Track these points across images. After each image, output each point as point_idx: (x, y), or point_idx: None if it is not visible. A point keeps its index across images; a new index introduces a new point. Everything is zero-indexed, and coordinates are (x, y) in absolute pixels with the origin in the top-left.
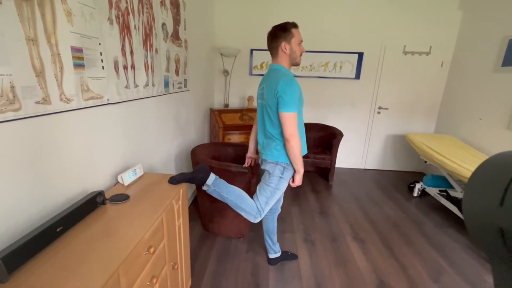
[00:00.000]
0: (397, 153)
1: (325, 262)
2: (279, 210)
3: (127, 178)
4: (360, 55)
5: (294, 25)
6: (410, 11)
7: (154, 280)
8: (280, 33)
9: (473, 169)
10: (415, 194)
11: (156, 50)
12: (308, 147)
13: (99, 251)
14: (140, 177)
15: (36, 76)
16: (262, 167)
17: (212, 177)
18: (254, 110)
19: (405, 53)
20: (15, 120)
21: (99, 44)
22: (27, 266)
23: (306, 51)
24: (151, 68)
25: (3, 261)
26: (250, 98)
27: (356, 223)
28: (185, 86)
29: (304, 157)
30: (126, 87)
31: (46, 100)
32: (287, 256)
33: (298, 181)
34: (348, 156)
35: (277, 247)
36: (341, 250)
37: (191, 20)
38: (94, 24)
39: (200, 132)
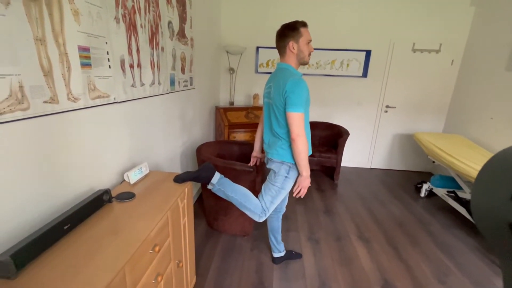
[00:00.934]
0: (405, 153)
1: (329, 261)
2: (284, 209)
3: (133, 177)
4: (368, 52)
5: (304, 24)
6: (420, 8)
7: (159, 278)
8: (289, 32)
9: None
10: (422, 194)
11: (162, 49)
12: (314, 146)
13: (105, 249)
14: (146, 175)
15: (44, 75)
16: (268, 166)
17: (217, 176)
18: (260, 108)
19: (414, 50)
20: (24, 119)
21: (106, 43)
22: (35, 263)
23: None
24: (157, 67)
25: (12, 258)
26: (255, 96)
27: (361, 222)
28: (191, 84)
29: (309, 156)
30: (132, 85)
31: (54, 100)
32: (292, 255)
33: (302, 183)
34: (354, 155)
35: (281, 246)
36: (346, 249)
37: (197, 18)
38: (101, 23)
39: (206, 130)
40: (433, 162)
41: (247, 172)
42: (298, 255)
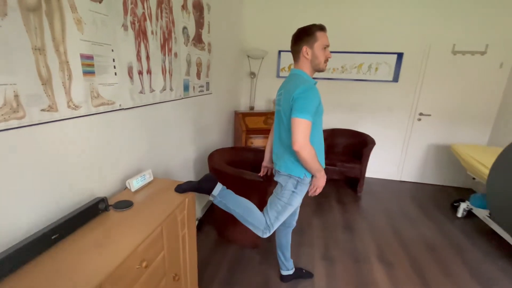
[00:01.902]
0: (440, 165)
1: (343, 284)
2: (294, 224)
3: (135, 184)
4: (400, 55)
5: (321, 28)
6: (462, 5)
7: None
8: (303, 36)
9: None
10: (460, 214)
11: (176, 54)
12: (336, 154)
13: (88, 263)
14: (149, 183)
15: (43, 84)
16: (275, 178)
17: (218, 187)
18: None
19: (455, 52)
20: (20, 127)
21: (112, 50)
22: (18, 273)
23: (338, 52)
24: (169, 73)
25: None
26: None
27: (385, 243)
28: (207, 89)
29: (330, 165)
30: (140, 92)
31: (52, 108)
32: (302, 274)
33: (317, 184)
34: (382, 166)
35: (290, 263)
36: (364, 272)
37: (216, 23)
38: (106, 31)
39: (224, 135)
40: (473, 178)
41: (257, 182)
42: (309, 275)
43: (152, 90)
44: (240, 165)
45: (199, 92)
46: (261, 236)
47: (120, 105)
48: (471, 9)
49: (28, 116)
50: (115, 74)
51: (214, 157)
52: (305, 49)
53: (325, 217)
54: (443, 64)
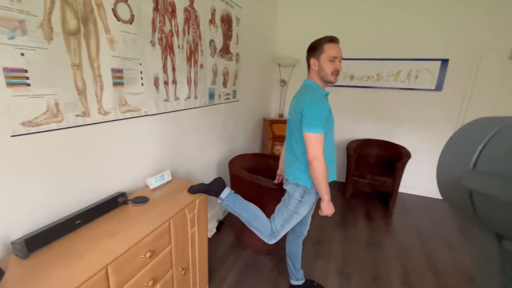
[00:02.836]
0: None
1: None
2: (305, 234)
3: (153, 183)
4: (445, 62)
5: (330, 40)
6: None
7: (150, 282)
8: (311, 48)
9: None
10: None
11: (202, 66)
12: (367, 166)
13: (99, 247)
14: (167, 182)
15: (78, 94)
16: (284, 186)
17: (226, 191)
18: None
19: None
20: (58, 129)
21: (140, 64)
22: (45, 249)
23: (373, 59)
24: (194, 82)
25: (25, 243)
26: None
27: (412, 265)
28: (234, 97)
29: (360, 177)
30: (165, 100)
31: (85, 113)
32: (312, 286)
33: (326, 210)
34: (420, 182)
35: (300, 274)
36: None
37: (245, 34)
38: (135, 48)
39: (251, 141)
40: None
41: (271, 189)
42: None
43: (176, 98)
44: (260, 172)
45: (225, 100)
46: (266, 242)
47: (145, 111)
48: None
49: (66, 120)
50: (142, 84)
51: (234, 162)
52: (312, 61)
53: (348, 231)
54: (497, 71)
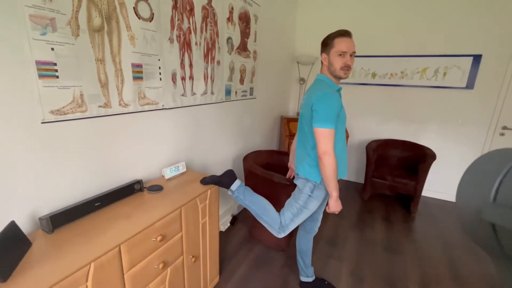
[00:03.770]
0: None
1: None
2: (316, 230)
3: (169, 173)
4: (477, 58)
5: (341, 34)
6: None
7: (161, 265)
8: (323, 43)
9: None
10: None
11: (218, 62)
12: (388, 168)
13: (114, 228)
14: (182, 173)
15: (101, 87)
16: (294, 181)
17: (236, 183)
18: None
19: None
20: (82, 119)
21: (158, 60)
22: (68, 226)
23: (396, 56)
24: (211, 78)
25: (50, 219)
26: None
27: (433, 272)
28: (251, 94)
29: (380, 178)
30: (182, 95)
31: (107, 105)
32: (323, 285)
33: (333, 206)
34: (447, 186)
35: (310, 271)
36: None
37: (264, 32)
38: (154, 44)
39: (268, 138)
40: None
41: (284, 185)
42: (331, 287)
43: (193, 94)
44: (275, 168)
45: (241, 96)
46: (276, 235)
47: (163, 105)
48: None
49: (89, 111)
50: (160, 79)
51: (248, 158)
52: (323, 56)
53: (364, 233)
54: None
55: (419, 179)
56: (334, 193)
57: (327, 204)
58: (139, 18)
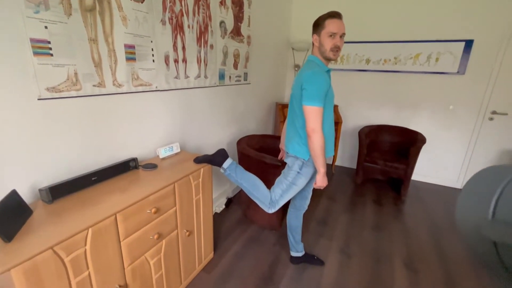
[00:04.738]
0: None
1: (354, 280)
2: (305, 208)
3: (163, 152)
4: (468, 43)
5: (331, 15)
6: None
7: (156, 236)
8: (314, 24)
9: None
10: None
11: (212, 46)
12: (380, 153)
13: (111, 199)
14: (176, 154)
15: (95, 66)
16: (285, 159)
17: (228, 161)
18: None
19: None
20: (77, 97)
21: (151, 41)
22: (66, 198)
23: (390, 42)
24: (204, 62)
25: (50, 190)
26: None
27: (418, 250)
28: (245, 80)
29: (371, 162)
30: (176, 77)
31: (101, 84)
32: (312, 260)
33: (320, 181)
34: (438, 170)
35: (300, 246)
36: (382, 273)
37: (258, 17)
38: (146, 25)
39: (263, 124)
40: None
41: (276, 166)
42: (320, 262)
43: (186, 76)
44: (268, 151)
45: (235, 81)
46: (266, 211)
47: (156, 87)
48: None
49: (84, 89)
50: (153, 61)
51: (242, 141)
52: (314, 37)
53: (355, 215)
54: None
55: (409, 162)
56: (322, 169)
57: (314, 183)
58: None
